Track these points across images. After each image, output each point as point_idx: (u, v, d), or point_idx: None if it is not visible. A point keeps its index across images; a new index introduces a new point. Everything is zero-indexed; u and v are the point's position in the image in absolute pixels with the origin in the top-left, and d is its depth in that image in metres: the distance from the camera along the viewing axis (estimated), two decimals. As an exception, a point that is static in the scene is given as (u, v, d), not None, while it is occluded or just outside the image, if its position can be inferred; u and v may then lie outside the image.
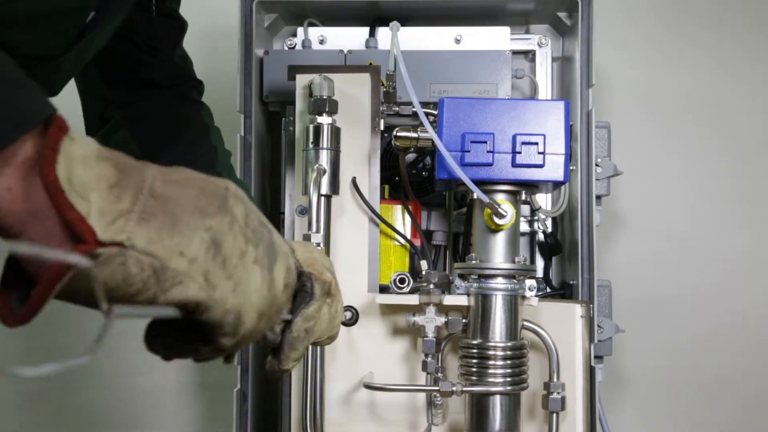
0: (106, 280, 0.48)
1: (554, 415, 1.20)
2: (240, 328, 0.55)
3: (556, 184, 1.24)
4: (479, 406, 1.17)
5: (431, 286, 1.18)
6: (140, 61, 1.08)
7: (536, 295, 1.19)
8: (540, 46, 1.50)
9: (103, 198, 0.48)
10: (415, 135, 1.23)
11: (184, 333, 0.55)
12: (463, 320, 1.17)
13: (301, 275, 0.75)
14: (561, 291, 1.44)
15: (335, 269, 0.91)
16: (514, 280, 1.17)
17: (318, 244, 1.15)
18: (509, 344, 1.16)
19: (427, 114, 1.15)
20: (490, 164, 1.15)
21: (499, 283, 1.16)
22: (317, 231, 1.17)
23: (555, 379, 1.20)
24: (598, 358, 1.31)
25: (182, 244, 0.50)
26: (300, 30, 1.46)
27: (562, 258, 1.48)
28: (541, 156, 1.15)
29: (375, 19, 1.46)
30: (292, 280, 0.63)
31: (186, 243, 0.51)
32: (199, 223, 0.52)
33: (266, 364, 0.76)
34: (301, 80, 1.26)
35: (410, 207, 1.37)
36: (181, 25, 1.14)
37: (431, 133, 1.14)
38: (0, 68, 0.48)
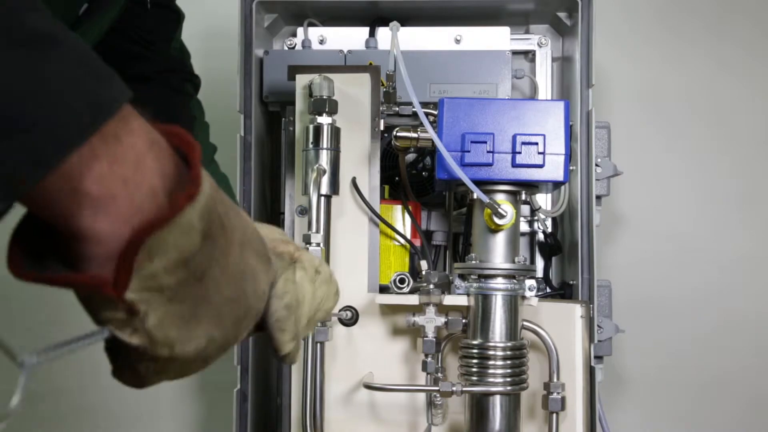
0: (98, 313, 0.47)
1: (554, 415, 1.20)
2: (156, 379, 0.52)
3: (556, 184, 1.24)
4: (479, 406, 1.17)
5: (431, 286, 1.18)
6: (133, 55, 1.06)
7: (536, 295, 1.19)
8: (540, 46, 1.50)
9: (164, 269, 0.45)
10: (415, 135, 1.23)
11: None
12: (463, 320, 1.17)
13: None
14: (561, 291, 1.44)
15: (335, 269, 0.89)
16: (514, 280, 1.17)
17: (318, 244, 1.15)
18: (509, 344, 1.16)
19: (427, 114, 1.15)
20: (490, 164, 1.15)
21: (499, 283, 1.16)
22: (317, 231, 1.17)
23: (555, 379, 1.20)
24: (598, 358, 1.31)
25: (181, 341, 0.49)
26: (300, 30, 1.46)
27: (562, 258, 1.48)
28: (541, 156, 1.15)
29: (375, 19, 1.46)
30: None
31: (184, 342, 0.49)
32: (211, 330, 0.50)
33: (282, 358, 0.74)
34: (301, 80, 1.26)
35: (410, 207, 1.37)
36: (177, 16, 1.12)
37: (431, 133, 1.14)
38: (73, 50, 0.43)
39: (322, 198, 1.19)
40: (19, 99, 0.39)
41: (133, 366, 0.51)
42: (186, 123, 1.11)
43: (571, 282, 1.39)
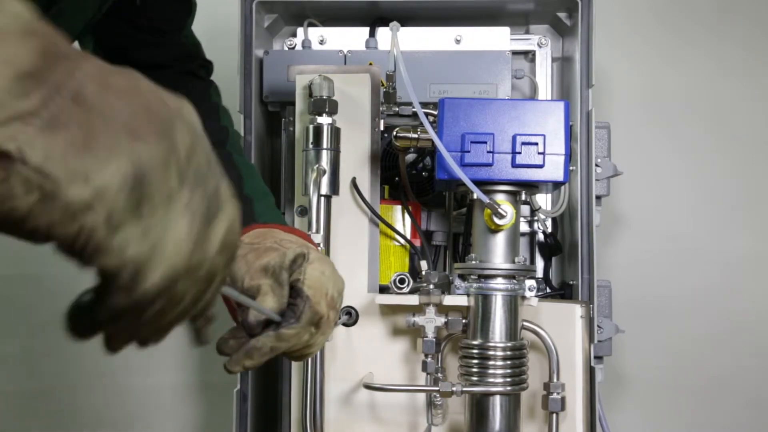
0: None
1: (554, 415, 1.20)
2: (139, 285, 0.42)
3: (556, 185, 1.24)
4: (479, 406, 1.17)
5: (431, 286, 1.18)
6: (145, 43, 1.04)
7: (536, 296, 1.19)
8: (540, 47, 1.50)
9: (3, 89, 0.36)
10: (415, 135, 1.23)
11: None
12: (463, 320, 1.17)
13: (299, 293, 0.74)
14: (561, 291, 1.44)
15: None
16: (514, 281, 1.17)
17: (318, 245, 1.15)
18: (509, 344, 1.16)
19: (427, 114, 1.15)
20: (490, 164, 1.15)
21: (499, 283, 1.16)
22: (317, 231, 1.17)
23: (555, 380, 1.20)
24: (598, 358, 1.31)
25: (91, 168, 0.39)
26: (300, 30, 1.46)
27: (562, 258, 1.48)
28: (541, 156, 1.14)
29: (375, 20, 1.46)
30: (234, 242, 0.48)
31: (96, 168, 0.39)
32: (125, 147, 0.40)
33: (218, 346, 0.71)
34: (301, 80, 1.26)
35: (410, 207, 1.37)
36: (189, 7, 1.10)
37: (431, 133, 1.14)
38: None
39: (322, 198, 1.19)
40: None
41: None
42: (209, 107, 1.08)
43: (571, 282, 1.39)
